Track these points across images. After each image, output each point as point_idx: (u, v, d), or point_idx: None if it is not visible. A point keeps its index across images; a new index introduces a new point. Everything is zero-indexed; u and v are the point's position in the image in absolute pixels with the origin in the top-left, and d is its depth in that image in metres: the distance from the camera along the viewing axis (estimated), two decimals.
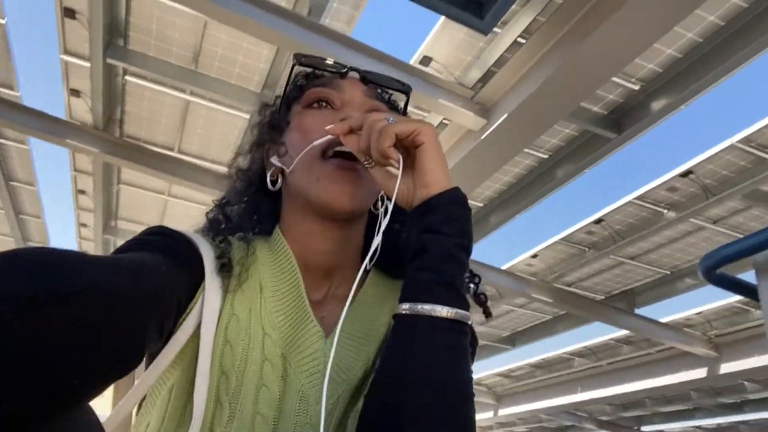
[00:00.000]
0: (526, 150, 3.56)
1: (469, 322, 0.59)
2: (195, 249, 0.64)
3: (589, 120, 3.23)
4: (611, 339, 6.85)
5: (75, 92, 3.66)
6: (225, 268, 0.66)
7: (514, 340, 7.42)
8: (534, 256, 5.16)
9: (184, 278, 0.61)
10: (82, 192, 4.99)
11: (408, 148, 0.62)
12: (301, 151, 0.68)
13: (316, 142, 0.67)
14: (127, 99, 3.72)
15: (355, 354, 0.67)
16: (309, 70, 0.78)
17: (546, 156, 3.69)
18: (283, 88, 0.79)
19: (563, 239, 4.84)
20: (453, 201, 0.60)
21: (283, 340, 0.64)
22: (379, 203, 0.73)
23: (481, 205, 4.29)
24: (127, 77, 3.54)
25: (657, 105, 3.05)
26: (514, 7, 2.50)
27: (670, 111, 3.01)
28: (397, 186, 0.61)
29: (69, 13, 3.04)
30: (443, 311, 0.56)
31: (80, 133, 3.72)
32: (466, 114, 2.79)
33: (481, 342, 6.70)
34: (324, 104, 0.73)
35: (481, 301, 0.72)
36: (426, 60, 2.92)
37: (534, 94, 2.51)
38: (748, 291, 1.55)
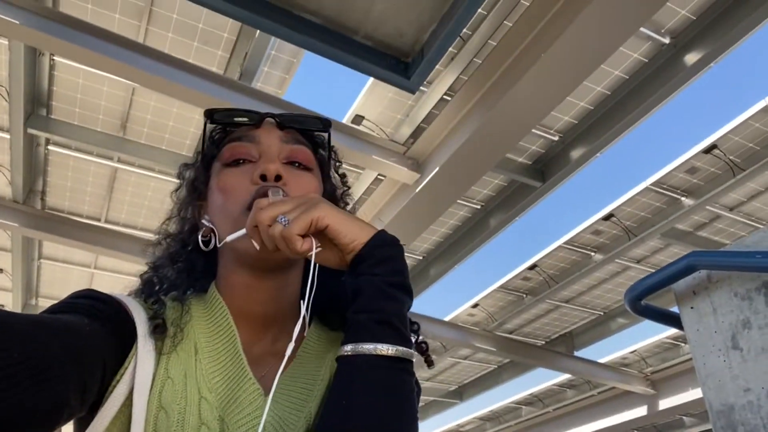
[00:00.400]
0: (460, 201, 3.68)
1: (413, 359, 0.58)
2: (126, 311, 0.62)
3: (515, 170, 3.40)
4: (555, 384, 6.96)
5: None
6: (158, 330, 0.63)
7: (462, 393, 7.39)
8: (475, 305, 5.23)
9: (112, 341, 0.58)
10: (0, 270, 4.67)
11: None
12: (224, 211, 0.68)
13: (228, 238, 0.65)
14: (50, 169, 3.58)
15: (297, 411, 0.64)
16: (219, 123, 0.75)
17: (479, 206, 3.83)
18: (201, 146, 0.76)
19: (501, 287, 4.95)
20: (379, 244, 0.61)
21: (221, 401, 0.62)
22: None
23: (420, 257, 4.34)
24: (50, 147, 3.42)
25: (576, 153, 3.25)
26: (438, 67, 2.66)
27: (589, 158, 3.22)
28: (313, 266, 0.63)
29: None
30: (384, 349, 0.56)
31: None
32: (399, 169, 2.87)
33: (429, 398, 6.60)
34: (241, 160, 0.70)
35: (422, 349, 0.72)
36: (358, 119, 3.01)
37: (462, 147, 2.63)
38: (673, 320, 1.64)
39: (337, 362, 0.58)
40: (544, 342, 5.92)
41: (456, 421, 8.33)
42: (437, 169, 2.73)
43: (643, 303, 1.62)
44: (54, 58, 2.85)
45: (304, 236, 0.60)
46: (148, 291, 0.69)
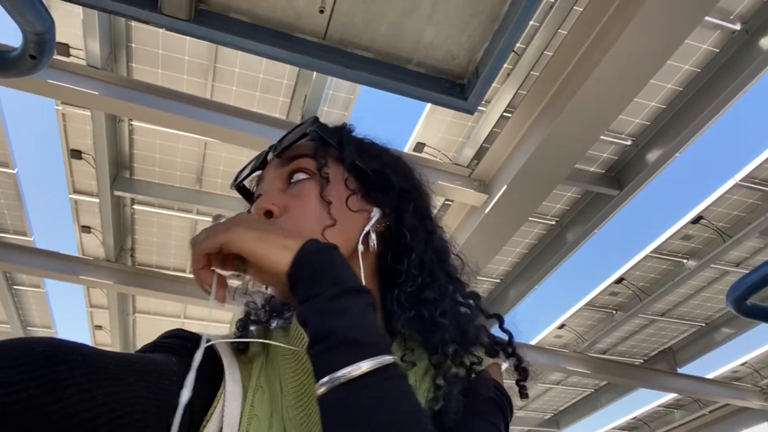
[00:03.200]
0: (532, 218, 3.57)
1: (392, 357, 0.49)
2: (212, 350, 0.61)
3: (588, 180, 3.26)
4: (659, 405, 6.47)
5: (86, 228, 3.76)
6: (245, 369, 0.63)
7: (559, 421, 7.01)
8: (561, 326, 5.01)
9: (200, 380, 0.58)
10: (99, 327, 4.98)
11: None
12: None
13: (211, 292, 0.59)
14: (137, 228, 3.81)
15: None
16: (250, 183, 0.77)
17: (553, 222, 3.69)
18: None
19: (588, 304, 4.72)
20: (302, 261, 0.53)
21: None
22: (372, 241, 0.68)
23: (498, 280, 4.23)
24: (135, 206, 3.65)
25: (652, 156, 3.09)
26: (494, 84, 2.62)
27: (667, 160, 3.04)
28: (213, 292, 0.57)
29: (75, 154, 3.19)
30: (363, 367, 0.47)
31: (93, 268, 3.78)
32: (466, 192, 2.83)
33: (523, 428, 6.30)
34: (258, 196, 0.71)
35: (521, 376, 0.68)
36: (419, 146, 3.01)
37: (528, 163, 2.55)
38: None
39: (319, 405, 0.49)
40: (642, 360, 5.56)
41: None
42: (505, 188, 2.67)
43: (748, 303, 1.48)
44: (132, 123, 3.06)
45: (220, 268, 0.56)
46: (242, 324, 0.71)
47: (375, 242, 0.68)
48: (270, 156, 0.71)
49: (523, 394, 0.68)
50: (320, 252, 0.55)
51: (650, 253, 4.07)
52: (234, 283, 0.65)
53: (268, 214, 0.65)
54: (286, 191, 0.68)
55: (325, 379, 0.47)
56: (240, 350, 0.65)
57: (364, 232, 0.68)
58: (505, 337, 0.75)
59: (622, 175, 3.27)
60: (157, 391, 0.50)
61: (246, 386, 0.61)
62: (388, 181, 0.73)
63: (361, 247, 0.67)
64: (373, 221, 0.69)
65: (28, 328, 4.96)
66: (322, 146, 0.71)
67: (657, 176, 3.18)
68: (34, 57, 1.30)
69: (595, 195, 3.43)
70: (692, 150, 3.02)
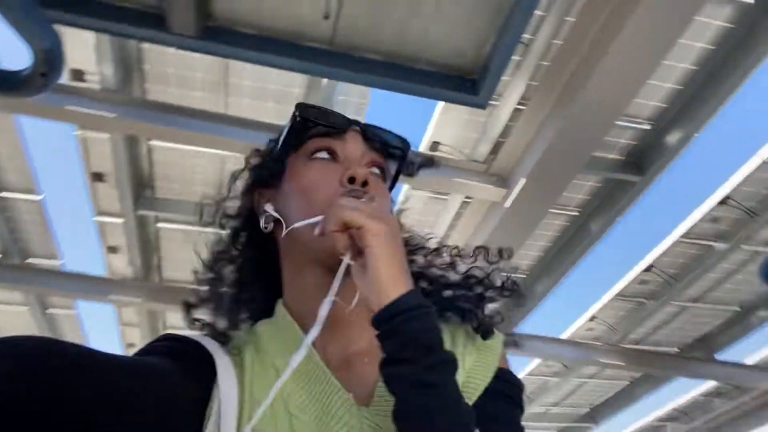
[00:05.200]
0: (554, 210, 3.52)
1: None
2: (203, 347, 0.64)
3: (608, 168, 3.21)
4: (699, 394, 6.32)
5: (112, 249, 3.83)
6: (236, 361, 0.64)
7: (595, 415, 6.89)
8: (592, 318, 4.93)
9: (194, 379, 0.59)
10: (132, 345, 5.06)
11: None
12: (304, 204, 0.66)
13: (300, 224, 0.64)
14: (162, 245, 3.87)
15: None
16: (309, 119, 0.73)
17: (576, 213, 3.64)
18: (282, 135, 0.74)
19: (618, 295, 4.64)
20: (402, 311, 0.53)
21: (313, 418, 0.60)
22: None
23: (523, 276, 4.18)
24: (158, 224, 3.70)
25: (672, 138, 3.03)
26: (505, 77, 2.60)
27: (687, 141, 2.98)
28: (342, 269, 0.59)
29: (97, 176, 3.26)
30: None
31: (122, 287, 3.84)
32: (485, 188, 2.81)
33: (559, 424, 6.20)
34: (326, 155, 0.70)
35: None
36: (435, 145, 3.01)
37: (546, 154, 2.53)
38: None
39: None
40: (678, 349, 5.43)
41: None
42: (523, 181, 2.64)
43: None
44: (150, 142, 3.12)
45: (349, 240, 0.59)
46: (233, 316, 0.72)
47: None
48: (354, 128, 0.72)
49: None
50: (419, 307, 0.54)
51: (678, 238, 3.99)
52: None
53: (365, 183, 0.66)
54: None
55: None
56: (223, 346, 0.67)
57: None
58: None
59: (643, 160, 3.21)
60: (148, 391, 0.51)
61: (241, 377, 0.63)
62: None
63: None
64: None
65: None
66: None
67: (678, 158, 3.12)
68: (45, 75, 1.33)
69: (616, 182, 3.37)
70: (713, 129, 2.96)
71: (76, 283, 3.71)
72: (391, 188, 0.78)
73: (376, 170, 0.72)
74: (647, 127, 3.10)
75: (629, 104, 2.43)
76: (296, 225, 0.64)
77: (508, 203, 2.76)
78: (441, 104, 2.91)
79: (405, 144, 0.75)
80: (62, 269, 3.91)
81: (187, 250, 3.96)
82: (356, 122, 0.73)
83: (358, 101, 2.92)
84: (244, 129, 2.68)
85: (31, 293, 3.88)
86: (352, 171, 0.66)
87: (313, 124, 0.71)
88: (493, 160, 2.84)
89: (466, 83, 2.34)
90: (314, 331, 0.57)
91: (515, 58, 2.53)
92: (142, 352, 0.61)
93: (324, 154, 0.70)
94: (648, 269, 4.32)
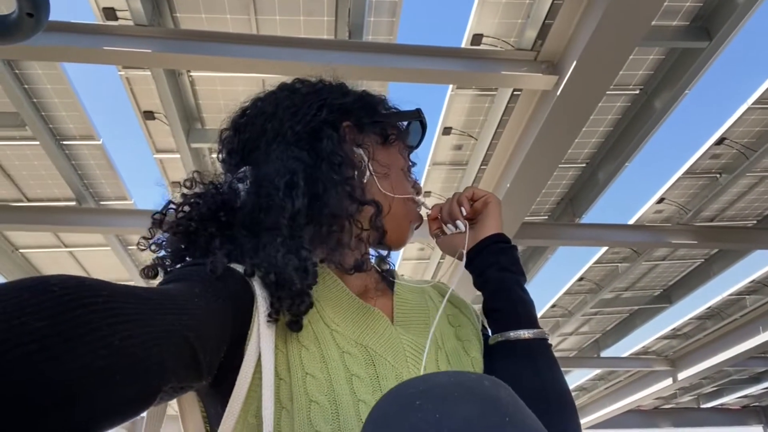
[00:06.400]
0: (612, 92, 3.32)
1: (548, 338, 0.77)
2: (242, 277, 0.64)
3: (672, 36, 2.95)
4: None
5: (176, 183, 3.97)
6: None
7: (670, 295, 6.82)
8: (660, 200, 4.74)
9: (230, 308, 0.59)
10: None
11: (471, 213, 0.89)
12: (402, 189, 0.85)
13: (450, 232, 0.91)
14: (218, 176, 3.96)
15: (423, 337, 0.74)
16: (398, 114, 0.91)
17: (637, 91, 3.41)
18: (393, 116, 0.90)
19: (687, 172, 4.41)
20: (510, 243, 0.85)
21: (354, 332, 0.67)
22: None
23: (583, 165, 4.04)
24: (213, 155, 3.78)
25: None
26: None
27: None
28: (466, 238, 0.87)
29: (148, 115, 3.32)
30: (528, 334, 0.76)
31: None
32: (534, 77, 2.65)
33: (632, 307, 6.23)
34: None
35: None
36: (477, 38, 2.83)
37: (598, 31, 2.33)
38: None
39: (499, 347, 0.77)
40: (755, 221, 5.19)
41: (671, 326, 7.75)
42: (575, 63, 2.47)
43: None
44: (191, 74, 3.11)
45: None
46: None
47: None
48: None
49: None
50: (513, 244, 0.86)
51: (753, 104, 3.68)
52: None
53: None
54: None
55: (521, 332, 0.76)
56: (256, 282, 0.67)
57: None
58: None
59: (710, 23, 2.92)
60: (176, 330, 0.50)
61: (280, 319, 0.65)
62: None
63: None
64: None
65: (149, 281, 5.45)
66: None
67: (752, 16, 2.81)
68: (32, 15, 1.31)
69: (681, 51, 3.10)
70: None
71: (148, 219, 3.90)
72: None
73: None
74: None
75: None
76: (449, 232, 0.91)
77: (559, 90, 2.61)
78: None
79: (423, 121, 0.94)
80: (134, 208, 4.12)
81: None
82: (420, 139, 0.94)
83: (391, 2, 2.77)
84: (277, 47, 2.62)
85: (111, 233, 4.13)
86: (419, 187, 0.91)
87: (417, 144, 0.93)
88: (541, 45, 2.66)
89: None
90: (440, 309, 0.80)
91: None
92: (180, 276, 0.61)
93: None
94: (720, 142, 4.06)
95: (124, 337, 0.43)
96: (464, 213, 0.86)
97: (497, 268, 0.80)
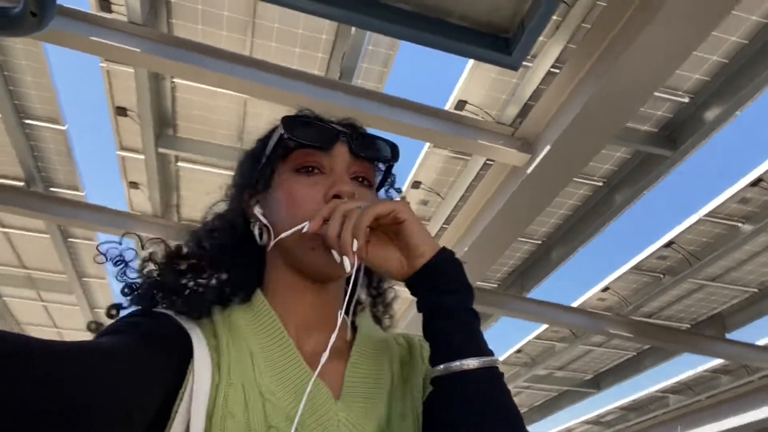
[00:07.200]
0: (578, 179, 3.45)
1: (499, 366, 0.62)
2: (181, 327, 0.63)
3: (640, 140, 3.11)
4: (705, 370, 6.34)
5: (134, 184, 3.87)
6: (211, 341, 0.64)
7: (599, 382, 6.97)
8: (605, 289, 4.90)
9: (167, 359, 0.58)
10: None
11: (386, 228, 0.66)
12: (291, 218, 0.68)
13: (285, 234, 0.68)
14: (182, 184, 3.89)
15: (366, 413, 0.65)
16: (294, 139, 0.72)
17: (600, 183, 3.56)
18: (268, 146, 0.75)
19: (634, 268, 4.59)
20: (449, 261, 0.66)
21: (287, 404, 0.62)
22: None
23: (539, 242, 4.15)
24: (179, 164, 3.71)
25: (711, 114, 2.90)
26: (541, 38, 2.49)
27: (726, 118, 2.85)
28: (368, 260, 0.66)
29: (121, 111, 3.25)
30: (474, 363, 0.60)
31: (141, 223, 3.90)
32: (508, 151, 2.74)
33: (562, 387, 6.31)
34: (312, 169, 0.71)
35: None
36: (461, 104, 2.92)
37: (575, 122, 2.44)
38: None
39: (433, 384, 0.62)
40: (689, 325, 5.41)
41: (595, 412, 7.89)
42: (549, 147, 2.57)
43: None
44: (174, 80, 3.08)
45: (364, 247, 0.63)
46: (195, 301, 0.68)
47: None
48: (342, 141, 0.73)
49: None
50: (458, 260, 0.67)
51: (704, 216, 3.89)
52: None
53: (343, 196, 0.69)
54: (351, 181, 0.72)
55: (452, 364, 0.61)
56: (195, 325, 0.66)
57: None
58: None
59: (677, 134, 3.10)
60: (110, 381, 0.50)
61: (216, 358, 0.63)
62: None
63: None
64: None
65: (83, 278, 5.22)
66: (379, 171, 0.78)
67: (714, 135, 3.00)
68: (35, 14, 1.29)
69: (646, 155, 3.28)
70: (755, 107, 2.83)
71: (97, 215, 3.76)
72: (379, 187, 0.79)
73: (362, 180, 0.74)
74: (686, 100, 2.97)
75: (671, 75, 2.32)
76: (284, 234, 0.68)
77: (530, 169, 2.70)
78: (471, 62, 2.81)
79: (394, 150, 0.77)
80: (85, 200, 3.97)
81: (206, 191, 3.99)
82: (344, 132, 0.73)
83: (386, 52, 2.84)
84: (267, 73, 2.63)
85: (54, 222, 3.95)
86: (337, 188, 0.68)
87: (297, 144, 0.72)
88: (520, 123, 2.76)
89: (500, 42, 2.24)
90: (323, 358, 0.62)
91: (554, 18, 2.41)
92: (115, 328, 0.59)
93: (310, 168, 0.71)
94: (668, 245, 4.25)
95: (62, 389, 0.44)
96: (356, 248, 0.61)
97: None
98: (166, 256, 0.71)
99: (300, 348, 0.67)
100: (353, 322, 0.75)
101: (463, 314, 0.64)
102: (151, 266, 0.70)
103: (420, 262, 0.64)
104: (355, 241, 0.61)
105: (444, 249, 0.66)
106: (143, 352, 0.55)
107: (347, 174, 0.72)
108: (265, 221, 0.71)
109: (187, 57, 2.55)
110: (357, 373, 0.68)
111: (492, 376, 0.60)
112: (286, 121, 0.72)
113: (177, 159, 3.67)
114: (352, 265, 0.61)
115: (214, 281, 0.71)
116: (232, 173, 0.83)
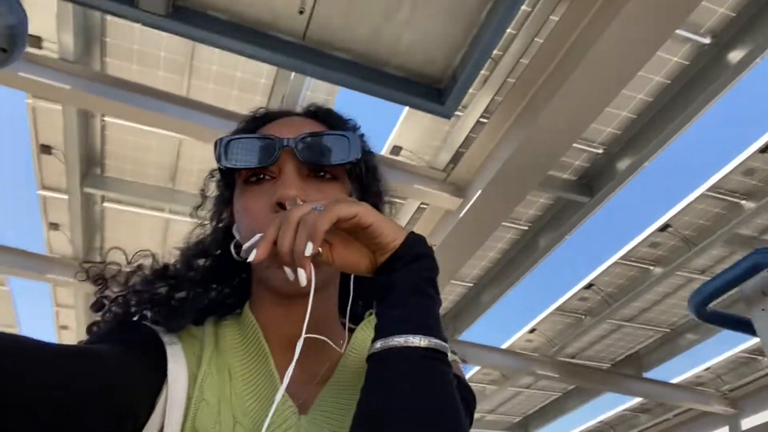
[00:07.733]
0: (506, 223, 3.61)
1: (447, 353, 0.54)
2: (158, 338, 0.62)
3: (560, 187, 3.32)
4: (626, 409, 6.60)
5: (54, 225, 3.67)
6: (193, 355, 0.63)
7: (527, 425, 7.09)
8: (532, 330, 5.07)
9: (145, 370, 0.58)
10: (65, 327, 4.86)
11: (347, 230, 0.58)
12: (246, 231, 0.65)
13: (244, 246, 0.64)
14: (107, 225, 3.73)
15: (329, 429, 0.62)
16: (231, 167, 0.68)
17: (526, 227, 3.75)
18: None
19: (558, 309, 4.79)
20: (413, 244, 0.58)
21: (255, 425, 0.60)
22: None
23: (470, 285, 4.27)
24: (105, 204, 3.58)
25: (622, 165, 3.16)
26: (471, 90, 2.65)
27: (636, 168, 3.11)
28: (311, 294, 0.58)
29: (45, 149, 3.12)
30: (416, 340, 0.52)
31: (60, 266, 3.69)
32: (441, 196, 2.85)
33: (492, 431, 6.29)
34: (261, 176, 0.67)
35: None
36: (396, 149, 3.03)
37: (503, 169, 2.59)
38: (744, 325, 1.53)
39: (368, 361, 0.54)
40: (609, 365, 5.66)
41: None
42: (479, 192, 2.70)
43: (709, 309, 1.53)
44: (105, 118, 3.01)
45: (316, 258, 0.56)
46: (180, 313, 0.67)
47: None
48: (287, 151, 0.66)
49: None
50: (425, 242, 0.60)
51: (619, 259, 4.16)
52: None
53: (287, 203, 0.62)
54: (305, 180, 0.66)
55: (390, 339, 0.53)
56: (175, 338, 0.65)
57: None
58: None
59: (594, 182, 3.34)
60: (95, 384, 0.50)
61: (194, 372, 0.62)
62: (377, 207, 0.77)
63: None
64: None
65: None
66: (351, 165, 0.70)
67: (627, 184, 3.26)
68: (5, 50, 1.27)
69: (567, 201, 3.49)
70: (662, 159, 3.11)
71: (11, 257, 3.54)
72: (362, 181, 0.74)
73: (325, 173, 0.68)
74: (600, 151, 3.22)
75: (587, 128, 2.52)
76: (244, 246, 0.64)
77: (462, 213, 2.82)
78: (406, 109, 2.94)
79: (352, 143, 0.68)
80: None
81: (133, 233, 3.84)
82: (289, 140, 0.66)
83: (324, 97, 2.91)
84: (204, 114, 2.64)
85: None
86: (279, 195, 0.63)
87: (234, 170, 0.68)
88: (452, 169, 2.89)
89: (433, 92, 2.38)
90: (290, 370, 0.56)
91: (483, 72, 2.58)
92: (95, 338, 0.59)
93: (259, 176, 0.67)
94: (588, 287, 4.49)
95: (43, 386, 0.44)
96: (309, 253, 0.54)
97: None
98: (152, 272, 0.70)
99: (280, 364, 0.64)
100: (351, 329, 0.70)
101: (418, 293, 0.56)
102: (136, 279, 0.69)
103: (386, 257, 0.58)
104: (309, 246, 0.53)
105: (411, 234, 0.60)
106: (128, 356, 0.56)
107: (297, 176, 0.66)
108: (237, 236, 0.69)
109: (119, 95, 2.52)
110: (328, 393, 0.65)
111: (432, 358, 0.53)
112: (217, 146, 0.67)
113: (103, 199, 3.54)
114: (309, 280, 0.55)
115: (193, 295, 0.70)
116: (161, 214, 0.85)
